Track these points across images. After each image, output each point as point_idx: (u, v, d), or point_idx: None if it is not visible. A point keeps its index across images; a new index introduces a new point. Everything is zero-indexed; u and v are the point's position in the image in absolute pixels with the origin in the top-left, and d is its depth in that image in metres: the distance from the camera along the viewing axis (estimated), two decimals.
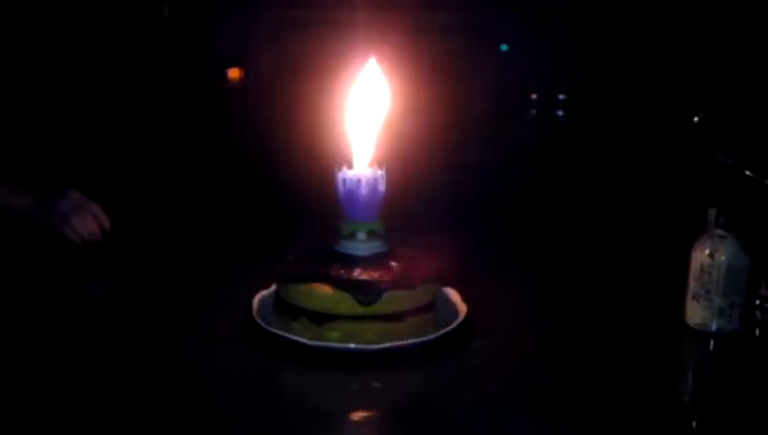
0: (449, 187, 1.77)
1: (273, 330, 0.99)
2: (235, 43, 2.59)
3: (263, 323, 1.00)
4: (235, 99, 2.54)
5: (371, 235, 1.03)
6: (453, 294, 1.09)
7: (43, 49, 1.76)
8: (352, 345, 0.96)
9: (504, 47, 2.77)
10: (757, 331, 1.07)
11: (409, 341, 0.97)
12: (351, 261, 1.01)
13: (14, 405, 0.85)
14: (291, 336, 0.97)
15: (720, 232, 1.04)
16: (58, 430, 0.82)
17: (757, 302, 1.08)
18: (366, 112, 1.05)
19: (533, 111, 2.70)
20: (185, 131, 2.11)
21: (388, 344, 0.96)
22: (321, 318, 0.98)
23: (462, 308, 1.05)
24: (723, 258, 1.03)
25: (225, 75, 2.64)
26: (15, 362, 0.95)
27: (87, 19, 1.99)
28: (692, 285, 1.06)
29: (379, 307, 0.97)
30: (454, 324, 1.01)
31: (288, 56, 2.51)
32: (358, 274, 0.99)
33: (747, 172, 1.43)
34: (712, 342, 1.05)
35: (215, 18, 2.56)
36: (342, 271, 0.99)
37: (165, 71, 2.26)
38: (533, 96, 2.69)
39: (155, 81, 2.21)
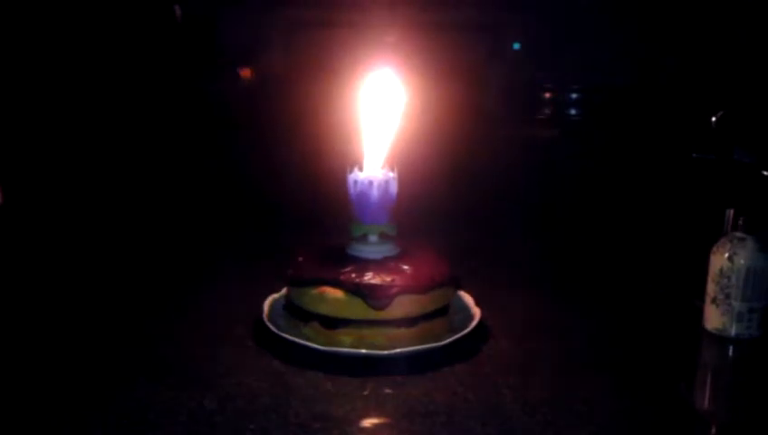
0: (462, 188, 1.76)
1: (284, 335, 0.97)
2: (248, 42, 2.59)
3: (273, 328, 0.99)
4: (247, 98, 2.54)
5: (383, 237, 1.02)
6: (466, 299, 1.07)
7: (53, 48, 1.77)
8: (363, 351, 0.94)
9: (516, 45, 2.75)
10: None
11: (422, 346, 0.95)
12: (363, 264, 0.99)
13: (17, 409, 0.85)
14: (301, 341, 0.96)
15: (740, 234, 1.02)
16: (61, 431, 0.81)
17: None
18: (378, 114, 1.04)
19: (547, 111, 2.68)
20: (194, 131, 2.11)
21: (399, 350, 0.94)
22: (333, 323, 0.96)
23: (475, 312, 1.04)
24: (742, 261, 1.01)
25: (237, 75, 2.63)
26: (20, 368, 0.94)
27: (99, 18, 2.00)
28: (711, 288, 1.04)
29: (392, 312, 0.96)
30: (467, 329, 1.00)
31: (300, 56, 2.50)
32: (369, 277, 0.97)
33: (765, 172, 1.40)
34: (731, 347, 1.03)
35: (227, 18, 2.55)
36: (354, 274, 0.97)
37: (176, 70, 2.25)
38: (547, 95, 2.67)
39: (166, 80, 2.21)
